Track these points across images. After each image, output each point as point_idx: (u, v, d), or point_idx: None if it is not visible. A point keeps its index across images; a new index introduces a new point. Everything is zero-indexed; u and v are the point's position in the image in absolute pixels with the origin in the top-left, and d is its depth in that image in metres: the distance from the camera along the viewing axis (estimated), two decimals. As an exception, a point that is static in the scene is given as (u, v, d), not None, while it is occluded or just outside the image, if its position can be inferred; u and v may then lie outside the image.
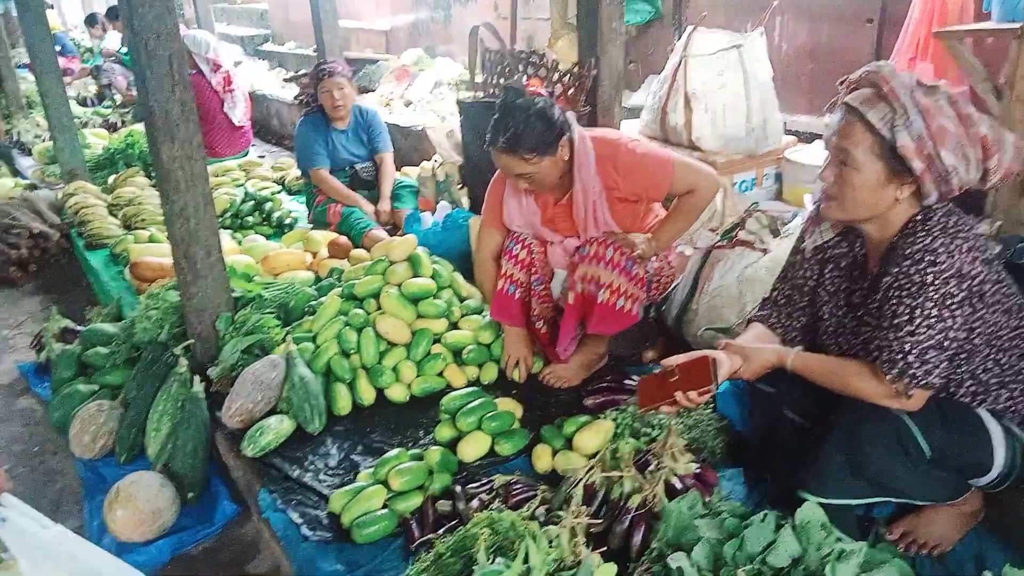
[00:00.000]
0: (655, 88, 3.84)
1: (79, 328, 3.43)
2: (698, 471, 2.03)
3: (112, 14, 8.56)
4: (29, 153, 6.85)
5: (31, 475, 2.76)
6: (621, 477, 1.95)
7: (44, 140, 6.84)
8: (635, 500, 1.87)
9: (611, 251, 2.46)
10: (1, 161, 6.86)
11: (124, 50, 8.61)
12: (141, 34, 2.45)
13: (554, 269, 2.75)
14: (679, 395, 1.82)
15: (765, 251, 2.75)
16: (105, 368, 3.03)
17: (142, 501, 2.31)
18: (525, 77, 3.69)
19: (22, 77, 8.14)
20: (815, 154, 3.59)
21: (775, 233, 2.90)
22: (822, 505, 1.65)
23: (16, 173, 6.59)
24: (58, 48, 7.12)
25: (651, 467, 2.03)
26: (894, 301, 1.65)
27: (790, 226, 2.93)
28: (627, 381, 2.61)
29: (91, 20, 10.88)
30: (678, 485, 1.94)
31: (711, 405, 2.40)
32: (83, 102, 8.43)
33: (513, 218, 2.70)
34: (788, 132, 3.99)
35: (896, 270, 1.65)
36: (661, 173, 2.48)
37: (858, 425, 1.73)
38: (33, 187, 5.84)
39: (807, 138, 4.19)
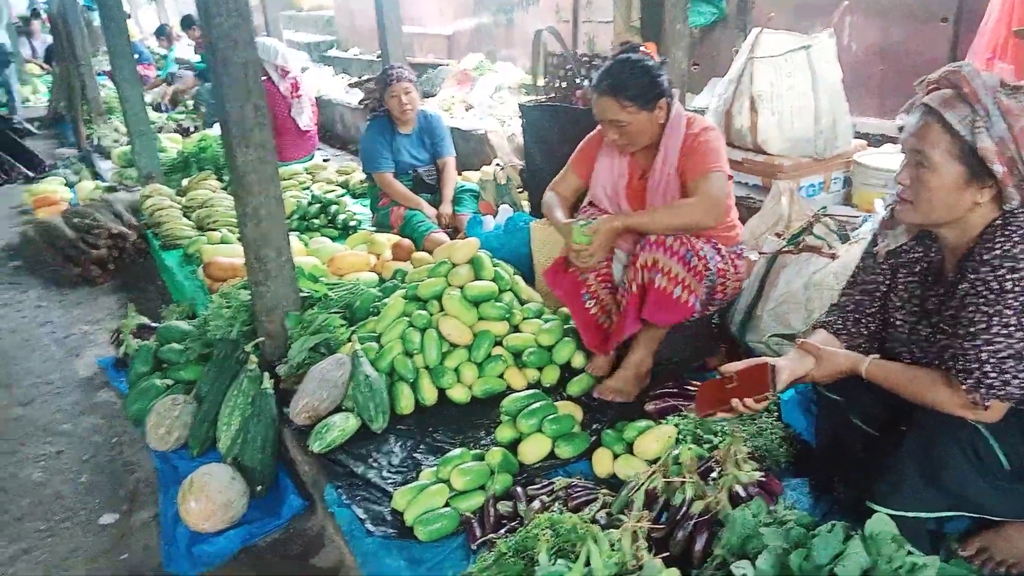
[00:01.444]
0: (720, 90, 3.79)
1: (155, 325, 3.58)
2: (762, 479, 1.99)
3: (186, 23, 8.88)
4: (108, 157, 7.15)
5: (110, 465, 2.89)
6: (683, 483, 1.94)
7: (122, 144, 7.14)
8: (698, 506, 1.86)
9: (671, 238, 2.45)
10: (82, 164, 7.20)
11: (198, 59, 8.92)
12: (217, 43, 2.54)
13: (615, 249, 2.71)
14: (735, 401, 1.81)
15: (833, 256, 2.69)
16: (179, 364, 3.14)
17: (214, 493, 2.39)
18: (586, 85, 3.70)
19: (101, 84, 8.52)
20: (886, 158, 3.49)
21: (844, 238, 2.85)
22: (893, 517, 1.60)
23: (96, 176, 6.90)
24: (135, 56, 7.43)
25: (714, 474, 2.01)
26: (971, 308, 1.60)
27: (859, 231, 2.86)
28: (688, 387, 2.59)
29: (160, 31, 11.32)
30: (742, 493, 1.91)
31: (775, 413, 2.37)
32: (157, 108, 8.77)
33: (601, 176, 2.72)
34: (857, 135, 3.89)
35: (973, 276, 1.60)
36: (705, 161, 2.50)
37: (932, 436, 1.69)
38: (112, 189, 6.11)
39: (877, 141, 4.08)
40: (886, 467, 1.74)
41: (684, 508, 1.87)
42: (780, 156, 3.53)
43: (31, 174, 7.38)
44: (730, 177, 2.58)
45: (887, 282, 1.93)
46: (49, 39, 11.06)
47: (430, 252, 4.02)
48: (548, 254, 3.40)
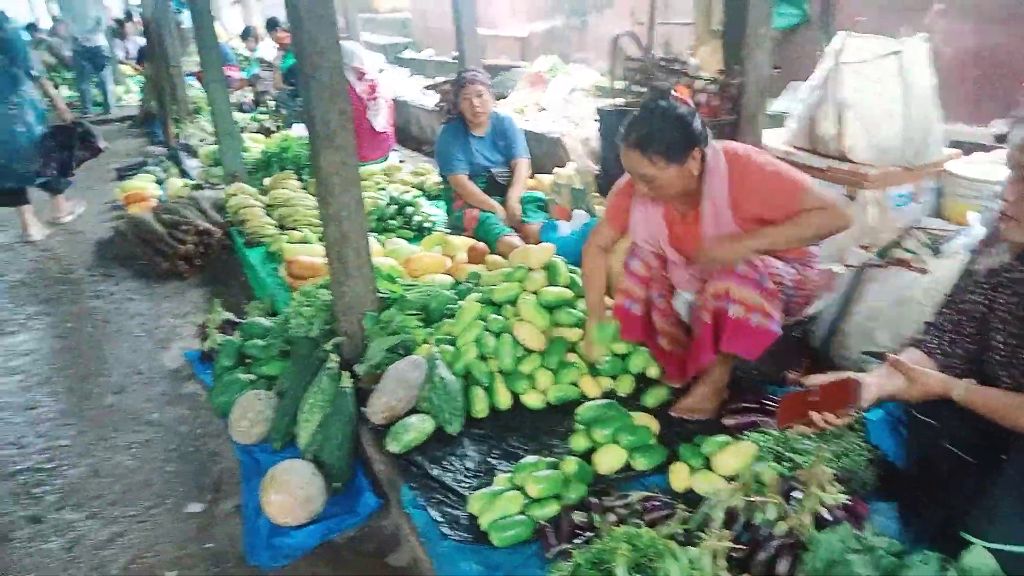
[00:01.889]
0: (803, 95, 3.69)
1: (238, 320, 3.70)
2: (848, 502, 1.93)
3: (270, 25, 9.15)
4: (195, 155, 7.43)
5: (195, 455, 3.00)
6: (766, 503, 1.90)
7: (208, 143, 7.41)
8: (781, 528, 1.81)
9: (741, 265, 2.35)
10: (170, 162, 7.50)
11: (281, 62, 9.19)
12: (307, 49, 2.61)
13: (679, 290, 2.65)
14: (816, 415, 1.77)
15: (924, 271, 2.60)
16: (262, 359, 3.25)
17: (295, 487, 2.46)
18: (665, 88, 3.66)
19: (189, 85, 8.86)
20: (979, 167, 3.34)
21: (935, 252, 2.74)
22: (990, 550, 1.54)
23: (183, 173, 7.17)
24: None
25: (797, 495, 1.96)
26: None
27: (952, 245, 2.75)
28: (768, 402, 2.53)
29: (245, 34, 11.69)
30: (826, 516, 1.86)
31: (862, 434, 2.29)
32: (240, 108, 9.06)
33: (638, 229, 2.62)
34: (950, 143, 3.73)
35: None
36: (789, 196, 2.31)
37: (1034, 465, 1.61)
38: (198, 187, 6.35)
39: (970, 150, 3.90)
40: (983, 497, 1.67)
41: (766, 529, 1.83)
42: (866, 164, 3.41)
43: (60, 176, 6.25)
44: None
45: (987, 302, 1.85)
46: (141, 41, 11.56)
47: (503, 255, 4.05)
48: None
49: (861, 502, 1.99)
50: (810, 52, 5.35)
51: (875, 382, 1.79)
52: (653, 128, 2.30)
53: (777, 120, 4.52)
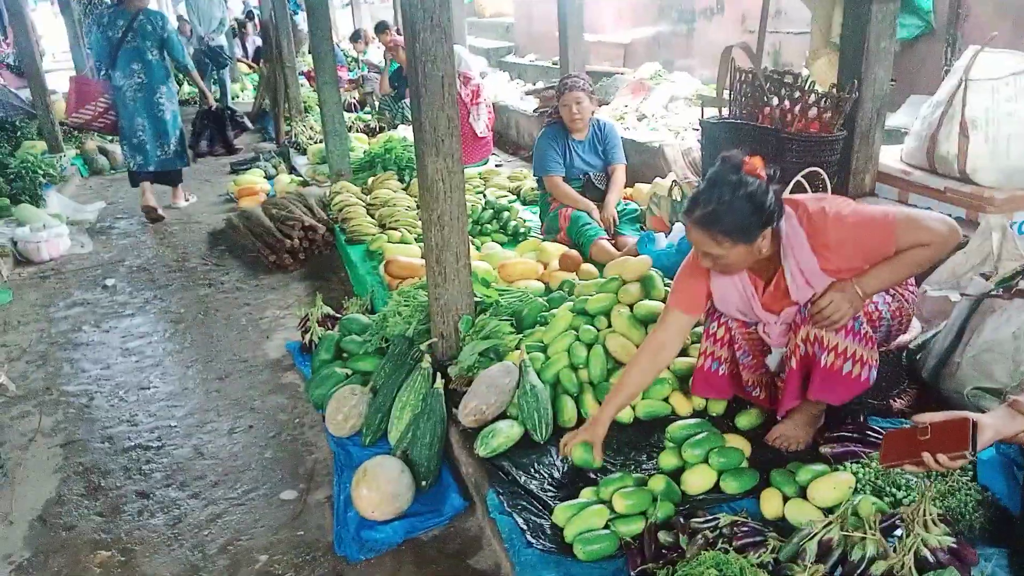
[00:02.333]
0: (925, 112, 3.51)
1: (338, 315, 3.83)
2: (954, 545, 1.83)
3: (379, 28, 9.43)
4: (303, 152, 7.74)
5: (292, 444, 3.12)
6: (863, 538, 1.82)
7: (316, 142, 7.70)
8: (879, 567, 1.74)
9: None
10: (280, 159, 7.83)
11: (382, 63, 9.48)
12: (420, 56, 2.68)
13: (772, 348, 2.48)
14: (927, 456, 1.68)
15: (1051, 305, 2.43)
16: (358, 355, 3.35)
17: (384, 483, 2.53)
18: (774, 104, 3.55)
19: (300, 84, 9.22)
20: (1120, 194, 3.10)
21: (1064, 285, 2.56)
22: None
23: (292, 170, 7.48)
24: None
25: (898, 532, 1.87)
26: None
27: (1084, 278, 2.56)
28: (870, 432, 2.43)
29: (355, 36, 12.07)
30: (929, 558, 1.77)
31: (971, 473, 2.17)
32: (348, 108, 9.37)
33: (727, 303, 2.43)
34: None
35: None
36: (880, 240, 2.14)
37: None
38: (305, 183, 6.60)
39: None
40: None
41: (863, 566, 1.76)
42: (991, 187, 3.22)
43: (227, 154, 8.92)
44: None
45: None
46: (259, 41, 12.12)
47: (596, 260, 4.04)
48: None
49: (968, 546, 1.88)
50: (932, 64, 5.10)
51: (993, 424, 1.69)
52: (720, 207, 2.10)
53: (893, 135, 4.32)
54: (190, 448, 3.14)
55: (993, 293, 2.56)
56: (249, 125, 9.12)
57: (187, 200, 6.97)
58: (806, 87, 3.49)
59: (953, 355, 2.55)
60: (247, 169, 7.65)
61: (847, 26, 3.54)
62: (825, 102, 3.45)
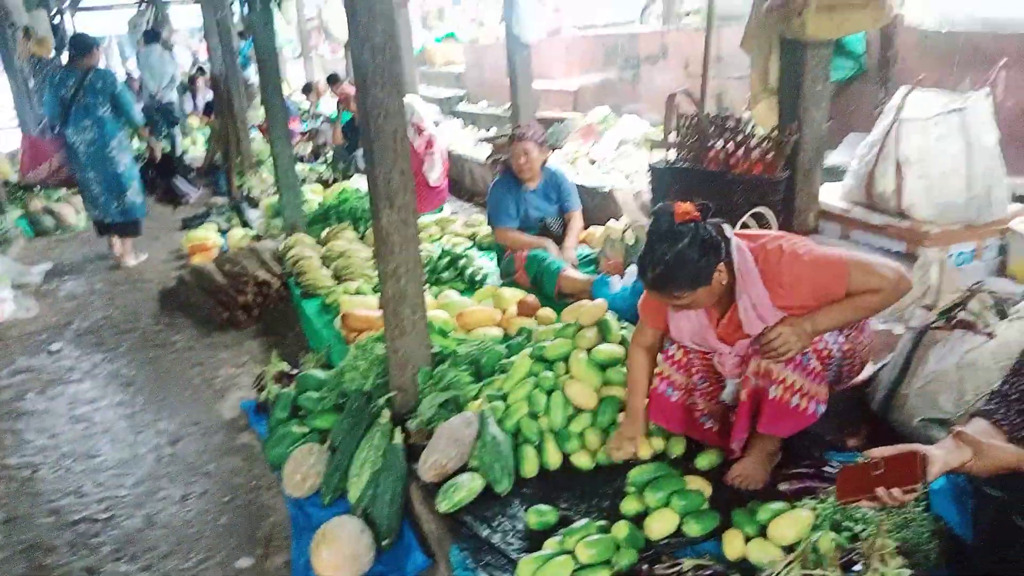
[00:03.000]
0: (862, 152, 3.64)
1: (294, 372, 3.77)
2: (911, 578, 1.85)
3: (331, 79, 9.50)
4: (256, 206, 7.68)
5: (248, 508, 3.04)
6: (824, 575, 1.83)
7: (269, 195, 7.66)
8: (841, 605, 1.75)
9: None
10: (233, 212, 7.76)
11: (333, 113, 9.56)
12: (372, 111, 2.70)
13: (726, 378, 2.54)
14: (881, 491, 1.70)
15: (990, 335, 2.51)
16: (316, 412, 3.29)
17: (344, 544, 2.48)
18: (718, 147, 3.66)
19: (252, 137, 9.21)
20: (1048, 224, 3.24)
21: (1001, 315, 2.64)
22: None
23: (245, 223, 7.41)
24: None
25: (857, 567, 1.89)
26: None
27: (1019, 307, 2.65)
28: (826, 468, 2.46)
29: (307, 89, 12.14)
30: (889, 592, 1.78)
31: (925, 503, 2.20)
32: (301, 159, 9.37)
33: (682, 333, 2.50)
34: (1015, 199, 3.63)
35: None
36: (831, 282, 2.22)
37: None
38: (258, 237, 6.54)
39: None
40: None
41: (825, 606, 1.76)
42: (927, 222, 3.34)
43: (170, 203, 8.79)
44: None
45: (1058, 372, 1.78)
46: (210, 94, 12.10)
47: (565, 291, 4.05)
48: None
49: (926, 578, 1.90)
50: (866, 104, 5.30)
51: (941, 456, 1.72)
52: (667, 266, 2.16)
53: (832, 172, 4.47)
54: (141, 518, 3.03)
55: (935, 325, 2.63)
56: (194, 173, 9.20)
57: (137, 259, 6.85)
58: (748, 130, 3.60)
59: (900, 387, 2.61)
60: (199, 224, 7.56)
61: (784, 71, 3.67)
62: (767, 144, 3.56)
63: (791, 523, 2.18)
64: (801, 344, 2.23)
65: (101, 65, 6.48)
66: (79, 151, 6.23)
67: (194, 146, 12.77)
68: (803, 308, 2.25)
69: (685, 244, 2.14)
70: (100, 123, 6.19)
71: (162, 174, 8.98)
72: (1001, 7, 4.12)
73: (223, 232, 7.17)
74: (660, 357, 2.64)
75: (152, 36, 10.81)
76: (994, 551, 1.94)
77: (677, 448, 2.73)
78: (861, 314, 2.29)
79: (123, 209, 6.48)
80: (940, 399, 2.51)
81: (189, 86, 13.51)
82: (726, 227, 2.30)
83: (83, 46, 6.19)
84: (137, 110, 6.65)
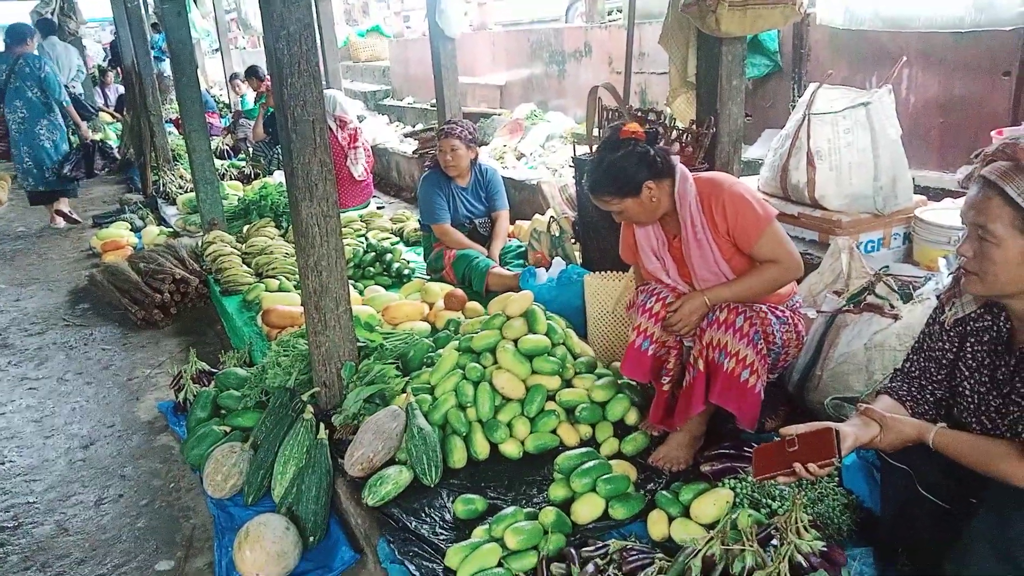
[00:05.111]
0: (776, 145, 3.77)
1: (214, 371, 3.66)
2: (824, 549, 1.93)
3: (249, 73, 9.24)
4: (173, 203, 7.42)
5: (167, 510, 2.94)
6: (743, 551, 1.89)
7: (186, 191, 7.41)
8: (759, 577, 1.81)
9: (741, 319, 2.38)
10: (148, 210, 7.48)
11: (251, 107, 9.31)
12: (289, 101, 2.64)
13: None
14: (798, 466, 1.77)
15: (896, 317, 2.64)
16: (237, 411, 3.21)
17: (268, 542, 2.41)
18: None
19: (168, 132, 8.88)
20: (947, 213, 3.42)
21: (906, 298, 2.78)
22: (966, 598, 1.54)
23: (161, 221, 7.15)
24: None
25: (774, 542, 1.96)
26: (1043, 380, 1.55)
27: (922, 291, 2.80)
28: (746, 448, 2.53)
29: (233, 77, 11.80)
30: (803, 563, 1.85)
31: (837, 478, 2.30)
32: (220, 155, 9.09)
33: (645, 247, 2.65)
34: (918, 190, 3.82)
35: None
36: (753, 222, 2.41)
37: (1007, 511, 1.62)
38: (176, 235, 6.33)
39: (937, 195, 4.00)
40: (956, 542, 1.67)
41: (744, 578, 1.82)
42: (838, 212, 3.48)
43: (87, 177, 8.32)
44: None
45: (954, 350, 1.88)
46: (121, 89, 11.60)
47: (494, 288, 4.07)
48: (600, 307, 3.40)
49: (838, 549, 1.98)
50: (782, 100, 5.49)
51: (852, 432, 1.80)
52: (599, 175, 2.46)
53: (751, 166, 4.61)
54: (52, 525, 2.89)
55: (845, 309, 2.75)
56: (117, 156, 8.55)
57: (64, 223, 7.70)
58: (668, 124, 3.68)
59: (814, 369, 2.72)
60: (111, 222, 7.25)
61: (701, 67, 3.76)
62: (686, 137, 3.64)
63: (712, 502, 2.25)
64: (699, 316, 2.45)
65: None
66: (11, 128, 7.19)
67: (106, 142, 12.25)
68: (732, 244, 2.45)
69: (620, 155, 2.42)
70: (30, 104, 7.15)
71: (86, 155, 8.33)
72: (902, 6, 4.32)
73: (137, 231, 6.90)
74: (638, 312, 2.66)
75: (46, 27, 10.06)
76: (901, 522, 2.04)
77: (604, 434, 2.78)
78: (757, 287, 2.45)
79: (51, 179, 7.36)
80: (851, 380, 2.62)
81: (100, 79, 12.93)
82: (675, 157, 2.50)
83: (17, 35, 7.14)
84: (64, 93, 7.38)
